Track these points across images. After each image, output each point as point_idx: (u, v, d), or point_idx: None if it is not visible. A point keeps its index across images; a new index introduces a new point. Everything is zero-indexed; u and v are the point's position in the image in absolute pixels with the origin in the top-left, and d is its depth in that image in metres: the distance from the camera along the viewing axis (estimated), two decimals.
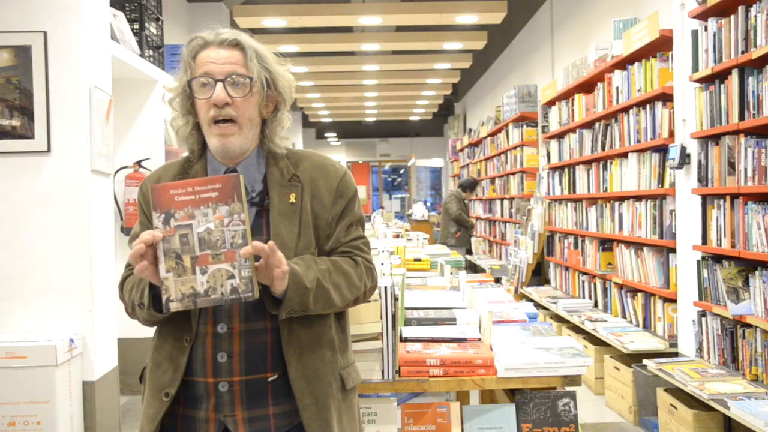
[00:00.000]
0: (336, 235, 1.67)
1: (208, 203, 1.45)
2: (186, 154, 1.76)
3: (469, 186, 8.97)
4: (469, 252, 9.26)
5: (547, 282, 7.44)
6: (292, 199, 1.64)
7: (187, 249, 1.45)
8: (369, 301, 2.10)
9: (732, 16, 3.55)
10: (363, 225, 1.74)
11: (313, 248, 1.64)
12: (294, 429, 1.62)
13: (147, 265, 1.45)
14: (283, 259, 1.49)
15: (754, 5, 3.37)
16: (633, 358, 4.45)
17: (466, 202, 8.92)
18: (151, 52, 5.13)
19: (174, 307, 1.46)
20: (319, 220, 1.66)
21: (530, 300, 6.63)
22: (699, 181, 3.91)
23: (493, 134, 10.44)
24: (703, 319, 3.89)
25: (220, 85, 1.58)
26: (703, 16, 3.82)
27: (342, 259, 1.65)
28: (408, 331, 2.36)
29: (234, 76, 1.58)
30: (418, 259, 4.18)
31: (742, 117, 3.47)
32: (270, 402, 1.61)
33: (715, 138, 3.74)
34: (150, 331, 1.72)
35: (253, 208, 1.64)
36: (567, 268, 6.57)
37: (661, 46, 4.60)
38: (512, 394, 2.23)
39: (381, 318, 2.11)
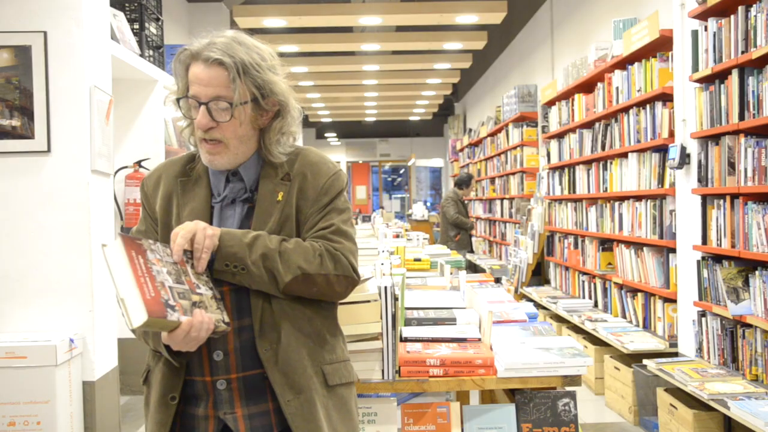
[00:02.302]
0: (308, 225, 1.65)
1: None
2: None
3: (465, 182, 8.81)
4: (471, 251, 9.21)
5: (547, 282, 7.44)
6: (279, 197, 1.64)
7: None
8: (368, 301, 2.10)
9: (732, 16, 3.55)
10: (342, 215, 1.67)
11: None
12: None
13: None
14: (207, 240, 1.52)
15: (754, 5, 3.37)
16: (633, 358, 4.45)
17: (464, 201, 8.85)
18: (151, 52, 5.13)
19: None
20: (300, 215, 1.65)
21: (530, 300, 6.63)
22: (699, 181, 3.91)
23: (493, 134, 10.44)
24: (703, 319, 3.89)
25: (203, 109, 1.57)
26: (703, 16, 3.82)
27: (307, 241, 1.62)
28: (408, 331, 2.36)
29: (216, 101, 1.57)
30: (418, 259, 4.18)
31: (742, 117, 3.47)
32: (269, 397, 1.60)
33: (715, 138, 3.74)
34: None
35: (245, 205, 1.66)
36: (567, 268, 6.57)
37: (661, 46, 4.60)
38: (512, 394, 2.23)
39: (381, 318, 2.11)
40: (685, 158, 4.07)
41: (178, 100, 1.63)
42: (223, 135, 1.59)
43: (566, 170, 6.55)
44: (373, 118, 19.33)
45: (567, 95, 6.55)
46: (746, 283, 3.49)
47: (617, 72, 5.21)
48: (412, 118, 18.95)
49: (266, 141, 1.65)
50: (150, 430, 1.65)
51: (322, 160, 1.72)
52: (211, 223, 1.64)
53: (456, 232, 8.46)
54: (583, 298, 6.04)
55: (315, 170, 1.68)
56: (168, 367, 1.61)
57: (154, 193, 1.71)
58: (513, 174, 9.13)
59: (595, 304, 5.77)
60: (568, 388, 2.21)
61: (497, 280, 5.04)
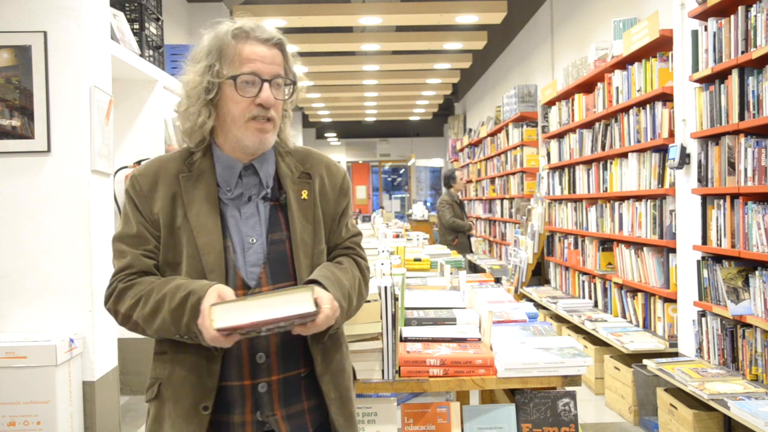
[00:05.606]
0: (338, 231, 1.71)
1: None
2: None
3: (450, 177, 8.37)
4: (471, 253, 9.12)
5: (547, 282, 7.44)
6: (304, 196, 1.66)
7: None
8: (368, 301, 2.10)
9: (732, 16, 3.55)
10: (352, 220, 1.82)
11: (323, 244, 1.67)
12: (326, 422, 1.64)
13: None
14: (336, 311, 1.53)
15: (754, 5, 3.37)
16: (633, 358, 4.45)
17: (460, 201, 8.53)
18: (151, 52, 5.13)
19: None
20: (325, 216, 1.69)
21: (530, 300, 6.63)
22: (699, 181, 3.91)
23: (493, 134, 10.44)
24: (703, 319, 3.89)
25: (267, 85, 1.57)
26: (703, 16, 3.82)
27: (352, 265, 1.69)
28: (408, 331, 2.36)
29: (279, 79, 1.59)
30: (418, 259, 4.18)
31: (742, 117, 3.47)
32: (304, 397, 1.62)
33: (715, 138, 3.74)
34: None
35: (267, 203, 1.63)
36: (567, 268, 6.57)
37: (661, 46, 4.60)
38: (512, 394, 2.23)
39: (381, 318, 2.11)
40: (685, 158, 4.07)
41: (234, 78, 1.55)
42: (275, 113, 1.61)
43: (566, 170, 6.55)
44: (373, 118, 19.34)
45: (567, 95, 6.55)
46: (746, 283, 3.49)
47: (617, 72, 5.21)
48: (412, 118, 18.95)
49: (285, 128, 1.69)
50: None
51: (331, 160, 1.77)
52: (223, 221, 1.58)
53: (454, 236, 8.10)
54: (583, 298, 6.04)
55: (329, 171, 1.73)
56: (196, 374, 1.53)
57: (151, 194, 1.58)
58: (513, 174, 9.13)
59: (595, 304, 5.77)
60: (568, 388, 2.21)
61: (497, 280, 5.02)
